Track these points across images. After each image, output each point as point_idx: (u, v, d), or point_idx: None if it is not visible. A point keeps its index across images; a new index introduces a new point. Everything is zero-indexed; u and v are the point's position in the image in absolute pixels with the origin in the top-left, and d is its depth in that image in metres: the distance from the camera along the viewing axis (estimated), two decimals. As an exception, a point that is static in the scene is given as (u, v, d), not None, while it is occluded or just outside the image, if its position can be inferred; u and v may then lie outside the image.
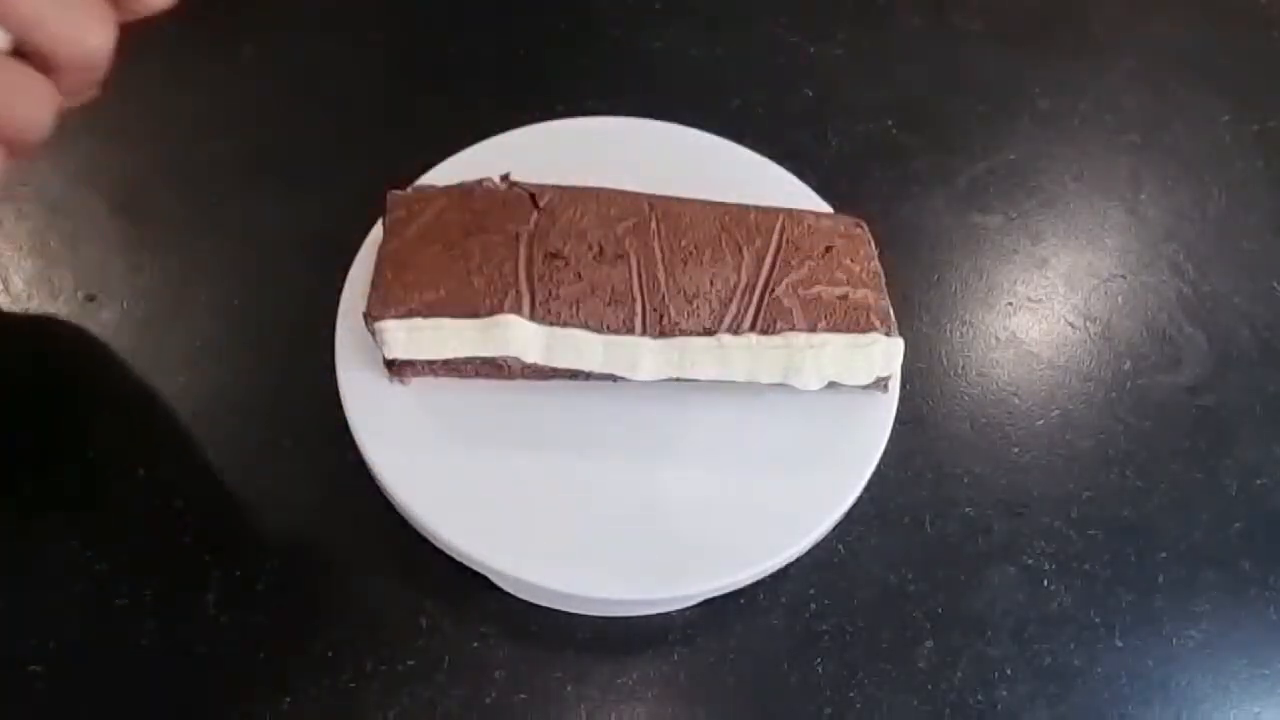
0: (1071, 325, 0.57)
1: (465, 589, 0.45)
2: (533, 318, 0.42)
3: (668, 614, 0.46)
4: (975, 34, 0.68)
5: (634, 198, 0.46)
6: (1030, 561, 0.49)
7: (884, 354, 0.44)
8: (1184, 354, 0.56)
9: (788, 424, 0.44)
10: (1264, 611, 0.49)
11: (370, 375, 0.43)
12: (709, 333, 0.43)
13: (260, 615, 0.44)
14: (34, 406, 0.48)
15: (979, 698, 0.45)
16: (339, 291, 0.45)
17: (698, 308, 0.43)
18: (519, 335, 0.42)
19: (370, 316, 0.42)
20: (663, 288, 0.43)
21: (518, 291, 0.42)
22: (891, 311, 0.45)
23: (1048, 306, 0.57)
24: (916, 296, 0.56)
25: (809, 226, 0.46)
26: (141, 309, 0.51)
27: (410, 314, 0.42)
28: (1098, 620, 0.48)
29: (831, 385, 0.44)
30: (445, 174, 0.49)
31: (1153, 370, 0.55)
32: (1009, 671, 0.46)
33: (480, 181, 0.46)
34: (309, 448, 0.47)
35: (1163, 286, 0.59)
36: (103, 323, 0.50)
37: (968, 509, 0.50)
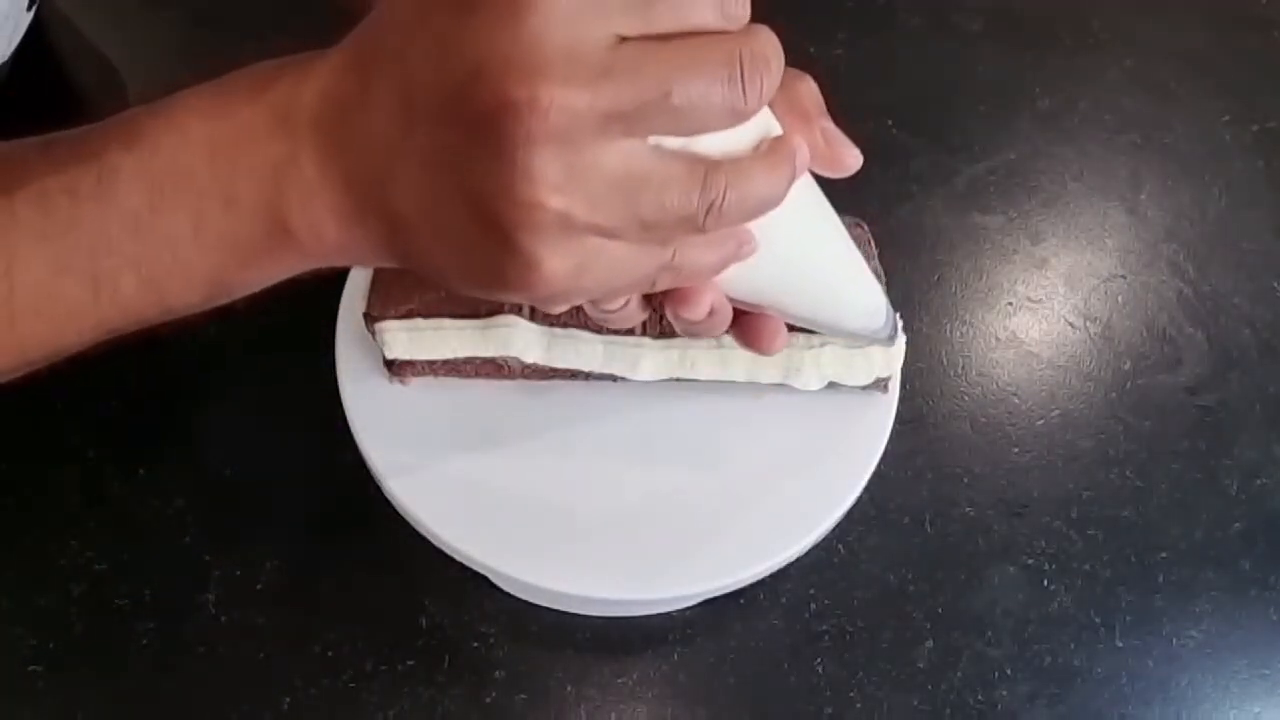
0: (1071, 325, 0.57)
1: (465, 589, 0.45)
2: (533, 318, 0.42)
3: (668, 614, 0.46)
4: (975, 34, 0.68)
5: (634, 198, 0.46)
6: (1030, 561, 0.49)
7: (884, 354, 0.44)
8: (1184, 354, 0.56)
9: (788, 424, 0.44)
10: (1264, 611, 0.49)
11: (370, 375, 0.43)
12: (709, 333, 0.43)
13: (260, 615, 0.44)
14: (34, 407, 0.48)
15: (979, 698, 0.45)
16: (339, 291, 0.45)
17: (698, 308, 0.43)
18: (519, 335, 0.42)
19: (370, 316, 0.42)
20: (663, 288, 0.43)
21: (518, 291, 0.42)
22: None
23: (1048, 306, 0.57)
24: (916, 296, 0.56)
25: (809, 226, 0.46)
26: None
27: (410, 314, 0.42)
28: (1098, 620, 0.48)
29: (831, 385, 0.44)
30: (445, 174, 0.49)
31: (1153, 370, 0.55)
32: (1009, 671, 0.46)
33: (480, 181, 0.46)
34: (309, 448, 0.47)
35: (1163, 286, 0.59)
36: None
37: (968, 509, 0.50)
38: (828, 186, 0.48)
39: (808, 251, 0.34)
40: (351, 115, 0.27)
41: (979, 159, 0.62)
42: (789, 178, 0.29)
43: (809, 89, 0.33)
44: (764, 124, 0.29)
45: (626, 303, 0.32)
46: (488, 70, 0.24)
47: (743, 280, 0.32)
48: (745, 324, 0.35)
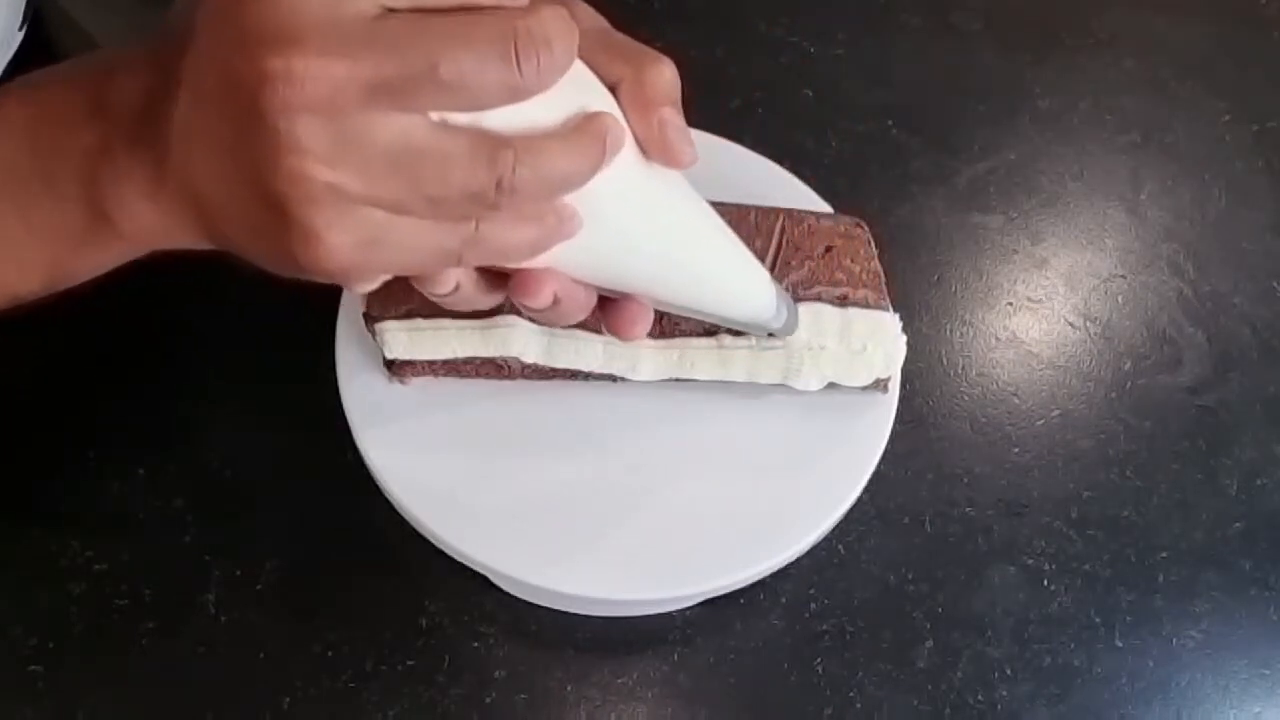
0: (1071, 325, 0.57)
1: (465, 589, 0.45)
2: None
3: (668, 614, 0.46)
4: (975, 34, 0.68)
5: (634, 198, 0.46)
6: (1030, 561, 0.49)
7: (884, 354, 0.44)
8: (1184, 354, 0.56)
9: (788, 424, 0.44)
10: (1264, 611, 0.49)
11: (370, 375, 0.43)
12: (709, 333, 0.43)
13: (260, 615, 0.44)
14: (35, 407, 0.48)
15: (979, 698, 0.45)
16: (339, 291, 0.45)
17: (698, 308, 0.43)
18: (519, 336, 0.42)
19: (370, 316, 0.42)
20: (663, 288, 0.43)
21: (518, 291, 0.42)
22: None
23: (1048, 306, 0.57)
24: (916, 296, 0.56)
25: (809, 226, 0.46)
26: (141, 311, 0.51)
27: (410, 314, 0.41)
28: (1098, 620, 0.48)
29: (831, 386, 0.44)
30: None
31: (1153, 370, 0.55)
32: (1009, 671, 0.46)
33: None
34: (309, 448, 0.47)
35: (1163, 286, 0.59)
36: (102, 323, 0.50)
37: (968, 509, 0.50)
38: (829, 185, 0.48)
39: (661, 236, 0.33)
40: (155, 102, 0.27)
41: (979, 159, 0.62)
42: (595, 157, 0.29)
43: (660, 75, 0.32)
44: (582, 101, 0.29)
45: (458, 286, 0.32)
46: (247, 44, 0.24)
47: (587, 264, 0.32)
48: (607, 308, 0.35)
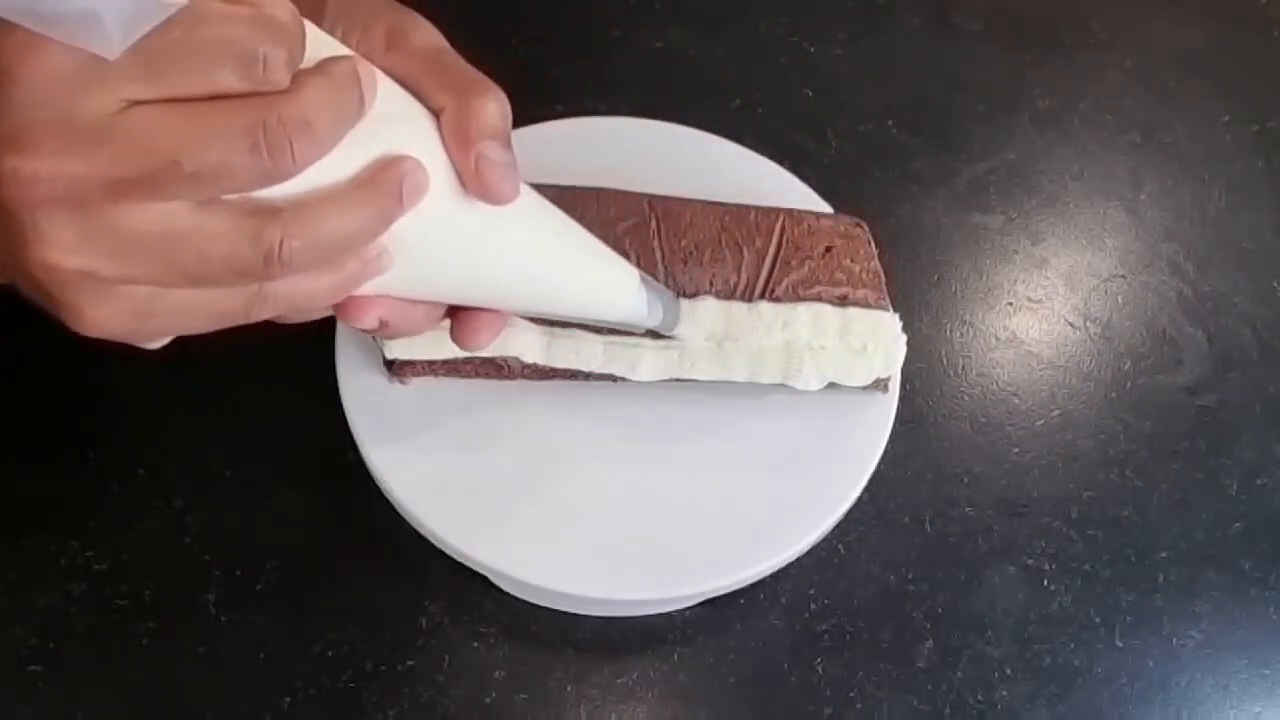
0: (1071, 325, 0.57)
1: (465, 589, 0.45)
2: (533, 318, 0.42)
3: (668, 614, 0.46)
4: (975, 34, 0.68)
5: (634, 198, 0.46)
6: (1030, 561, 0.49)
7: (884, 355, 0.44)
8: (1184, 354, 0.56)
9: (788, 424, 0.44)
10: (1264, 611, 0.49)
11: (370, 375, 0.43)
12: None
13: (260, 615, 0.44)
14: (35, 406, 0.48)
15: (979, 698, 0.45)
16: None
17: (698, 308, 0.43)
18: (519, 335, 0.42)
19: (370, 316, 0.42)
20: (663, 288, 0.43)
21: (518, 291, 0.42)
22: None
23: (1048, 306, 0.57)
24: (916, 296, 0.56)
25: (809, 226, 0.46)
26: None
27: (410, 314, 0.41)
28: (1098, 620, 0.48)
29: (831, 386, 0.44)
30: (445, 174, 0.49)
31: (1153, 370, 0.55)
32: (1009, 671, 0.46)
33: (480, 181, 0.46)
34: (309, 448, 0.47)
35: (1163, 286, 0.59)
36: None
37: (968, 509, 0.50)
38: (829, 185, 0.48)
39: (494, 254, 0.32)
40: None
41: (979, 159, 0.62)
42: (387, 210, 0.28)
43: (483, 107, 0.30)
44: (388, 141, 0.28)
45: (280, 314, 0.30)
46: None
47: (415, 287, 0.31)
48: (453, 317, 0.34)
